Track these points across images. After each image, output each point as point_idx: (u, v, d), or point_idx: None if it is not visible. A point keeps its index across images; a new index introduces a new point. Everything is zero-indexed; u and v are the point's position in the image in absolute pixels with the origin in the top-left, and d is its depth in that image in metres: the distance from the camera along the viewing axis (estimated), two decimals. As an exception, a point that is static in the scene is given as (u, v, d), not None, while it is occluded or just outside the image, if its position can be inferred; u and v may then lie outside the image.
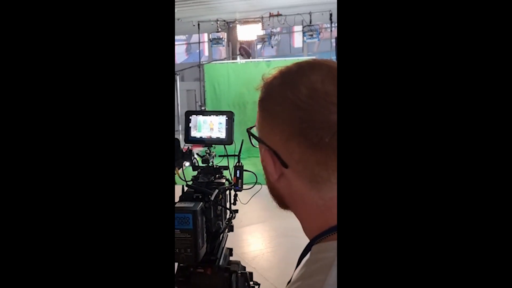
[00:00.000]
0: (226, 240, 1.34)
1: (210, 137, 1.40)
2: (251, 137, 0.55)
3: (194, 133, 1.41)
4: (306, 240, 0.48)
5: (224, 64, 7.70)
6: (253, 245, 3.38)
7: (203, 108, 7.74)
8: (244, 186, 1.30)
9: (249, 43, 8.18)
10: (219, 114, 1.40)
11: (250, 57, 8.06)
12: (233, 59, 8.29)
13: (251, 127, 0.58)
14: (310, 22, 7.30)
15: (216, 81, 7.57)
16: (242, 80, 7.43)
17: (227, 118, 1.39)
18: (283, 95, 0.45)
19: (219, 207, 1.22)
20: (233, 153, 1.44)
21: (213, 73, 7.57)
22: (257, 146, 0.53)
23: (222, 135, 1.39)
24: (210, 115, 1.41)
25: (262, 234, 3.61)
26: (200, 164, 1.40)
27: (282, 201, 0.51)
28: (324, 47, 9.51)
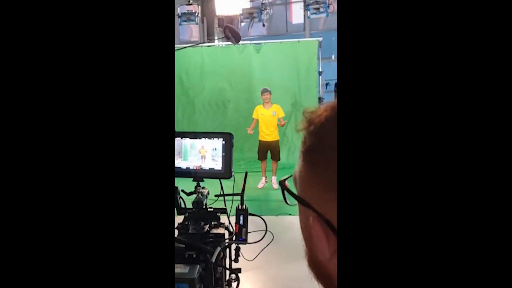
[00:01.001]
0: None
1: (201, 168, 1.39)
2: (285, 193, 0.55)
3: (178, 163, 1.39)
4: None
5: (197, 48, 7.58)
6: (244, 302, 3.37)
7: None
8: (250, 237, 1.27)
9: (232, 20, 8.10)
10: (214, 137, 1.38)
11: (240, 42, 7.94)
12: (209, 41, 8.24)
13: (286, 178, 0.58)
14: (315, -9, 7.28)
15: (185, 71, 7.49)
16: (222, 70, 7.39)
17: (224, 142, 1.38)
18: None
19: (219, 268, 1.25)
20: (229, 186, 1.43)
21: (182, 61, 7.44)
22: (292, 203, 0.54)
23: (218, 165, 1.37)
24: (200, 138, 1.40)
25: (254, 285, 3.61)
26: (189, 206, 1.40)
27: (333, 285, 0.51)
28: (332, 24, 9.53)
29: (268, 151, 5.93)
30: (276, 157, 5.94)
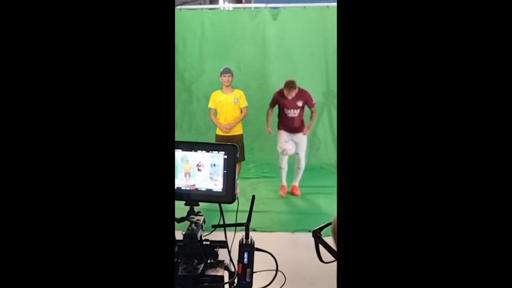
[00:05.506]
0: None
1: (196, 188, 1.40)
2: (319, 247, 0.56)
3: (166, 181, 1.38)
4: None
5: (195, 11, 7.49)
6: None
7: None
8: (256, 278, 1.26)
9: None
10: (213, 149, 1.37)
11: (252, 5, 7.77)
12: (211, 2, 8.21)
13: (321, 228, 0.60)
14: None
15: (181, 42, 7.35)
16: (227, 44, 7.27)
17: (226, 156, 1.38)
18: None
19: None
20: (233, 214, 1.44)
21: (176, 29, 7.31)
22: (328, 261, 0.54)
23: (217, 186, 1.38)
24: (196, 151, 1.40)
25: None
26: (178, 237, 1.39)
27: None
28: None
29: None
30: (239, 156, 5.56)
